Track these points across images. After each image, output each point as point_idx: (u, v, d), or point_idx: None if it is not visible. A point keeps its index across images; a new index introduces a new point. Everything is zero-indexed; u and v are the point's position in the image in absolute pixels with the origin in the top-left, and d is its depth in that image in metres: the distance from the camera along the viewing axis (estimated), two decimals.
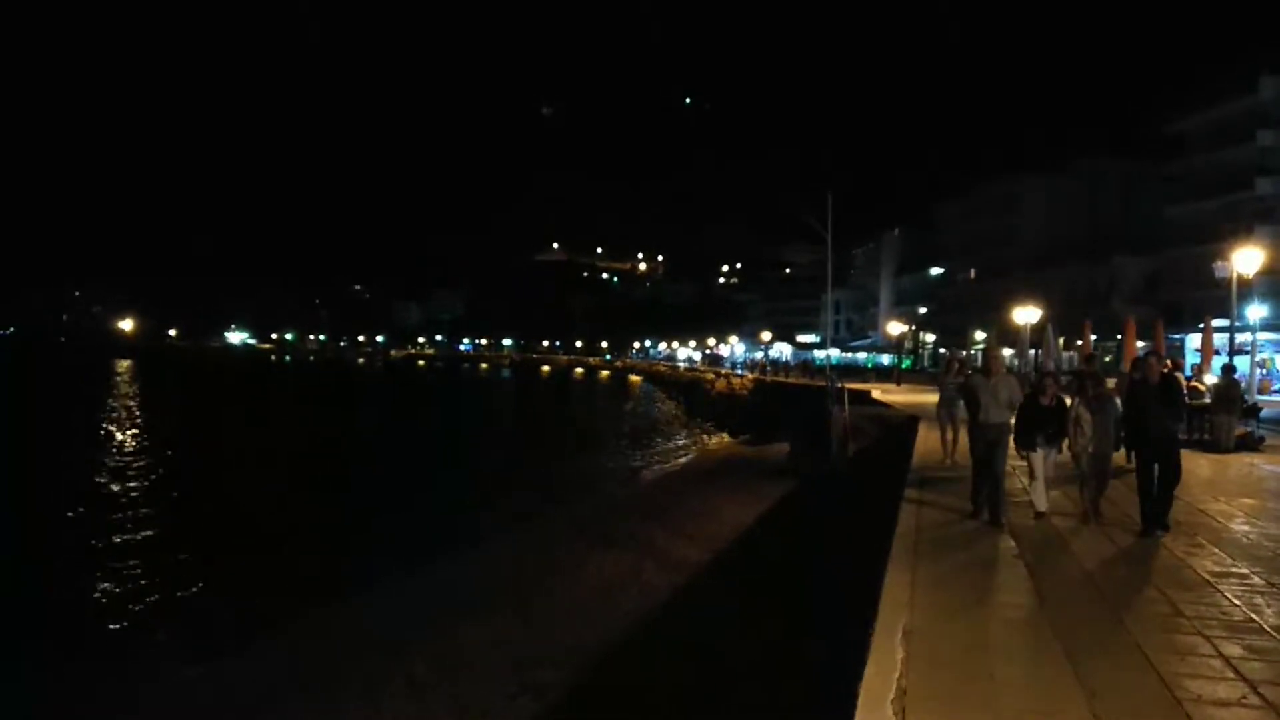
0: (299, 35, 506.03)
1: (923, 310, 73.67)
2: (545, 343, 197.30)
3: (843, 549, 9.72)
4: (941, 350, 72.82)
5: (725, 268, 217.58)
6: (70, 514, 20.04)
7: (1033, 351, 38.04)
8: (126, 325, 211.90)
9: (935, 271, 78.49)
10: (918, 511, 9.81)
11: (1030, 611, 6.23)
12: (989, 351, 10.84)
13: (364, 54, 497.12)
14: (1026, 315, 36.52)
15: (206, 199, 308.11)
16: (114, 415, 46.33)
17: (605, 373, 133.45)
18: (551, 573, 12.87)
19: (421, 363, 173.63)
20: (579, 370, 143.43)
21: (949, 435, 14.37)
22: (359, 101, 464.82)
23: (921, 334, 75.64)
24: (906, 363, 66.60)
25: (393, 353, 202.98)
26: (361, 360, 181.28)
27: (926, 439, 16.53)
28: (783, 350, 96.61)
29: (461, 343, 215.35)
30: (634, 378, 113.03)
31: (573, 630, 9.95)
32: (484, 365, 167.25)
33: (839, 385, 22.57)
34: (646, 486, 24.90)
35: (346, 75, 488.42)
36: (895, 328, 65.76)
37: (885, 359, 74.98)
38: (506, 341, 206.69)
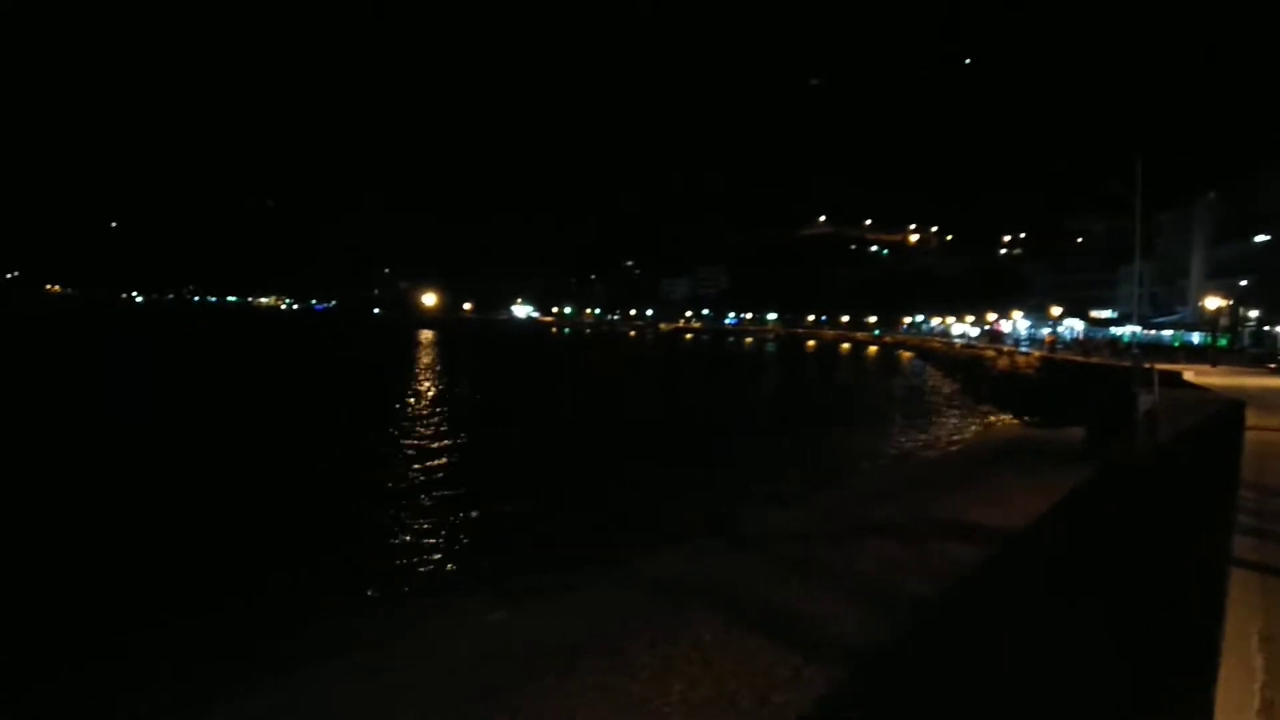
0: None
1: (1243, 283, 65.16)
2: (810, 317, 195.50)
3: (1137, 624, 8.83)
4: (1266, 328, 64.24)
5: (1007, 238, 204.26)
6: (388, 466, 22.38)
7: None
8: (429, 299, 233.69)
9: (1260, 239, 69.31)
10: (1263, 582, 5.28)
11: None
12: None
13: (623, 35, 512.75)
14: None
15: (497, 186, 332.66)
16: (417, 376, 51.37)
17: (873, 348, 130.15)
18: (839, 548, 12.83)
19: (689, 336, 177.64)
20: (845, 345, 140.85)
21: None
22: (634, 90, 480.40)
23: (1242, 310, 67.05)
24: (1223, 341, 59.35)
25: (662, 326, 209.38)
26: (633, 333, 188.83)
27: (1259, 436, 14.52)
28: (1073, 326, 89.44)
29: (727, 317, 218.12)
30: (904, 353, 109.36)
31: (860, 609, 9.86)
32: (748, 339, 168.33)
33: (1147, 365, 20.52)
34: (927, 466, 24.10)
35: (611, 63, 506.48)
36: (1211, 302, 58.76)
37: (1195, 337, 67.24)
38: (770, 315, 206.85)
